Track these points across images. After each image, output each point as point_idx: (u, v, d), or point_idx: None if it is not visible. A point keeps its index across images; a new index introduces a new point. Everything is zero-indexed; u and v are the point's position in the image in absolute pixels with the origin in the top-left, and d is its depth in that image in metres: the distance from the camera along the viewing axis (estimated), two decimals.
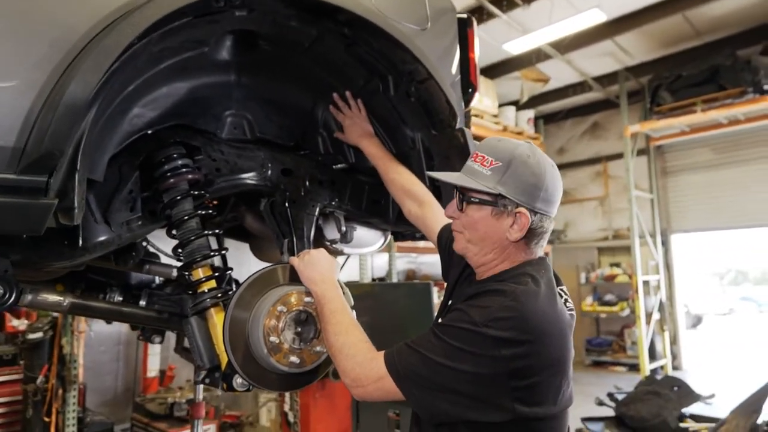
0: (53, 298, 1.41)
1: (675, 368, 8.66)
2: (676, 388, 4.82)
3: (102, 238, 1.39)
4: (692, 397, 4.81)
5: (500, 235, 1.21)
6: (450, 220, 1.37)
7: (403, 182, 1.70)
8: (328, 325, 1.28)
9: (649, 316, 8.35)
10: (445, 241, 1.51)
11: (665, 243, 9.13)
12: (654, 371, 7.85)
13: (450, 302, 1.36)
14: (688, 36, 7.46)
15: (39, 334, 3.81)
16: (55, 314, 4.00)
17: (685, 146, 8.98)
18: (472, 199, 1.23)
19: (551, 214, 1.23)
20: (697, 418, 4.60)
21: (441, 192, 1.78)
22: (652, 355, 8.26)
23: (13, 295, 1.21)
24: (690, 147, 8.92)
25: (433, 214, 1.61)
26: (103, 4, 1.11)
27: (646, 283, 8.51)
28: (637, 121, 8.43)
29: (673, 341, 8.92)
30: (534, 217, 1.19)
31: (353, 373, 1.18)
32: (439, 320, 1.23)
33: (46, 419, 3.73)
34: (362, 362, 1.18)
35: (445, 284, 1.48)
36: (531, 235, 1.21)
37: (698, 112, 7.39)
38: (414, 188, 1.68)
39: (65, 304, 1.44)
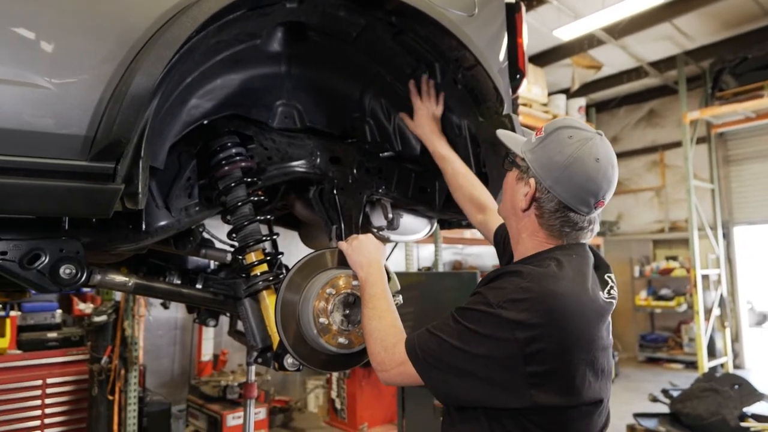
0: (120, 278, 1.50)
1: (736, 367, 8.26)
2: (736, 386, 4.60)
3: (163, 223, 1.47)
4: (755, 395, 4.58)
5: (516, 200, 1.23)
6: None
7: (471, 191, 1.67)
8: (366, 309, 1.31)
9: (708, 311, 7.98)
10: (500, 238, 1.51)
11: (727, 235, 8.68)
12: (713, 369, 7.51)
13: None
14: (755, 15, 7.02)
15: (103, 317, 4.05)
16: (118, 298, 4.23)
17: (749, 133, 8.49)
18: (508, 159, 1.28)
19: (572, 205, 1.15)
20: (760, 418, 4.38)
21: (488, 178, 1.78)
22: (712, 353, 7.91)
23: (84, 275, 1.29)
24: (755, 134, 8.43)
25: (494, 218, 1.59)
26: (163, 1, 1.17)
27: (705, 277, 8.13)
28: (696, 107, 8.03)
29: (735, 338, 8.50)
30: (541, 192, 1.17)
31: (379, 357, 1.20)
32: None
33: (110, 397, 3.97)
34: (387, 347, 1.19)
35: None
36: (542, 215, 1.18)
37: (765, 97, 6.95)
38: (479, 196, 1.66)
39: (130, 284, 1.53)
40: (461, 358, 1.07)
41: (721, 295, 8.27)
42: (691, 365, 7.96)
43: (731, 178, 8.77)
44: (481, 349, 1.05)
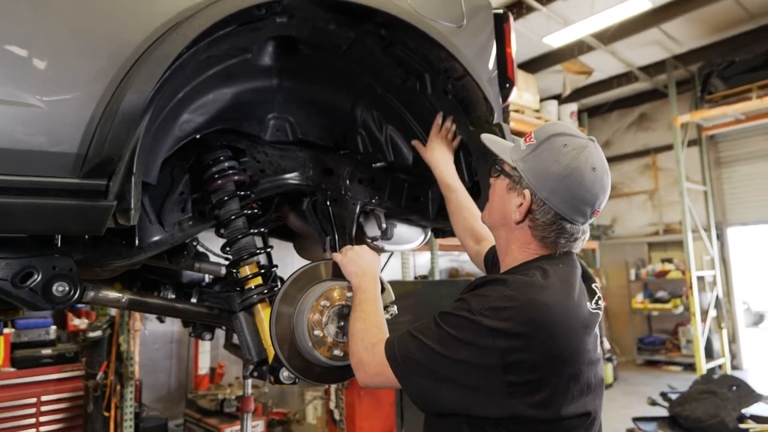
0: (113, 294, 1.50)
1: (734, 368, 8.28)
2: (734, 388, 4.61)
3: (156, 238, 1.46)
4: (753, 397, 4.59)
5: (507, 212, 1.19)
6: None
7: (473, 223, 1.64)
8: (354, 312, 1.31)
9: (704, 313, 8.01)
10: (489, 257, 1.50)
11: (720, 237, 8.73)
12: (711, 371, 7.52)
13: None
14: (741, 20, 7.11)
15: (98, 333, 4.02)
16: (113, 313, 4.21)
17: (740, 135, 8.57)
18: (496, 167, 1.25)
19: (566, 215, 1.13)
20: (758, 419, 4.39)
21: (480, 188, 1.79)
22: (709, 354, 7.92)
23: (77, 292, 1.28)
24: (745, 136, 8.51)
25: (487, 246, 1.57)
26: (153, 18, 1.18)
27: (700, 278, 8.17)
28: (687, 110, 8.11)
29: (732, 339, 8.52)
30: (536, 204, 1.13)
31: (358, 355, 1.19)
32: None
33: (106, 414, 3.93)
34: (367, 346, 1.18)
35: None
36: (536, 226, 1.15)
37: (754, 99, 7.03)
38: (480, 229, 1.62)
39: (124, 300, 1.52)
40: (440, 362, 1.05)
41: (717, 297, 8.30)
42: (690, 367, 7.97)
43: (723, 180, 8.84)
44: (460, 355, 1.03)
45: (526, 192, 1.15)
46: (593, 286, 1.19)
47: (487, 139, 1.30)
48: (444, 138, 1.77)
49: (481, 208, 1.40)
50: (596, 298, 1.17)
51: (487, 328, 1.01)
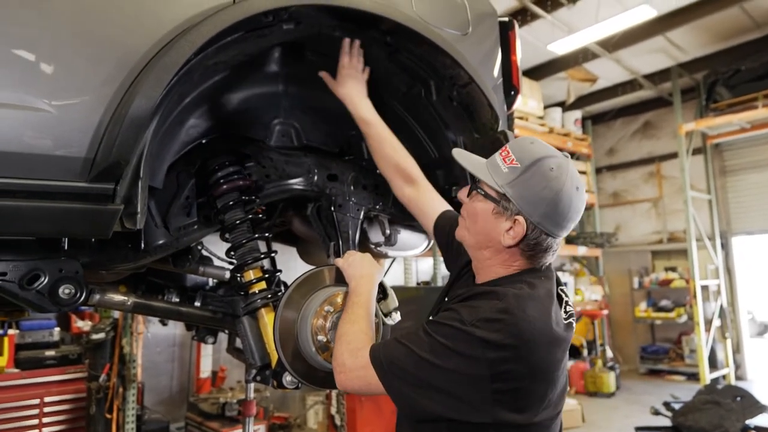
0: (118, 297, 1.51)
1: (738, 378, 8.22)
2: (738, 398, 4.58)
3: (161, 242, 1.48)
4: (757, 407, 4.56)
5: (495, 236, 1.18)
6: (445, 207, 1.43)
7: (398, 160, 1.57)
8: (344, 313, 1.32)
9: (708, 322, 7.96)
10: (444, 229, 1.48)
11: (725, 246, 8.69)
12: (715, 381, 7.47)
13: (446, 299, 1.34)
14: (747, 28, 7.11)
15: (101, 335, 4.03)
16: (116, 316, 4.22)
17: (745, 144, 8.54)
18: (479, 189, 1.23)
19: (555, 234, 1.17)
20: (763, 431, 4.36)
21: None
22: (713, 364, 7.87)
23: (83, 295, 1.30)
24: (751, 144, 8.48)
25: (428, 198, 1.56)
26: (161, 25, 1.19)
27: (704, 288, 8.13)
28: (691, 119, 8.10)
29: (736, 349, 8.46)
30: (531, 230, 1.15)
31: (341, 358, 1.19)
32: (430, 318, 1.24)
33: (108, 416, 3.93)
34: (352, 350, 1.19)
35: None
36: (527, 247, 1.17)
37: (759, 108, 7.01)
38: (407, 167, 1.57)
39: (129, 303, 1.53)
40: (428, 370, 1.07)
41: (721, 306, 8.26)
42: (693, 377, 7.92)
43: (728, 189, 8.81)
44: (449, 364, 1.05)
45: (519, 218, 1.16)
46: (560, 290, 1.22)
47: (459, 155, 1.29)
48: (354, 69, 1.59)
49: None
50: (565, 302, 1.21)
51: (479, 339, 1.04)
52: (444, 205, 1.56)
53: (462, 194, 1.29)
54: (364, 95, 1.60)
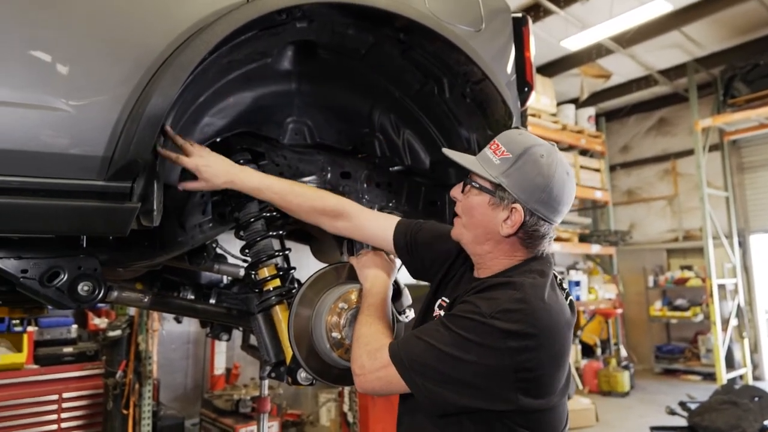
0: (135, 294, 1.53)
1: (756, 378, 8.09)
2: (756, 399, 4.51)
3: (177, 240, 1.49)
4: None
5: (493, 227, 1.19)
6: (396, 220, 1.43)
7: (311, 203, 1.45)
8: (360, 316, 1.32)
9: (725, 322, 7.85)
10: (406, 240, 1.43)
11: (743, 244, 8.56)
12: (732, 381, 7.37)
13: (437, 300, 1.33)
14: (765, 22, 6.99)
15: (118, 332, 4.09)
16: (132, 313, 4.27)
17: (763, 140, 8.40)
18: (474, 183, 1.23)
19: (551, 220, 1.19)
20: None
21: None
22: (730, 364, 7.76)
23: (101, 292, 1.32)
24: None
25: (369, 221, 1.47)
26: (176, 25, 1.21)
27: (721, 286, 8.01)
28: (708, 115, 7.98)
29: (754, 349, 8.34)
30: (528, 217, 1.17)
31: (360, 360, 1.19)
32: (421, 320, 1.30)
33: (125, 411, 3.99)
34: (370, 351, 1.18)
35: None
36: (526, 235, 1.19)
37: None
38: (326, 204, 1.46)
39: (146, 300, 1.55)
40: (451, 363, 1.07)
41: (739, 305, 8.14)
42: (709, 377, 7.82)
43: (746, 186, 8.67)
44: (470, 356, 1.06)
45: (517, 206, 1.17)
46: (559, 280, 1.25)
47: (450, 153, 1.30)
48: (199, 148, 1.39)
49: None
50: (566, 293, 1.23)
51: (500, 330, 1.05)
52: (390, 221, 1.47)
53: (455, 192, 1.29)
54: (234, 166, 1.42)
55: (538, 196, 1.16)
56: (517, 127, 1.58)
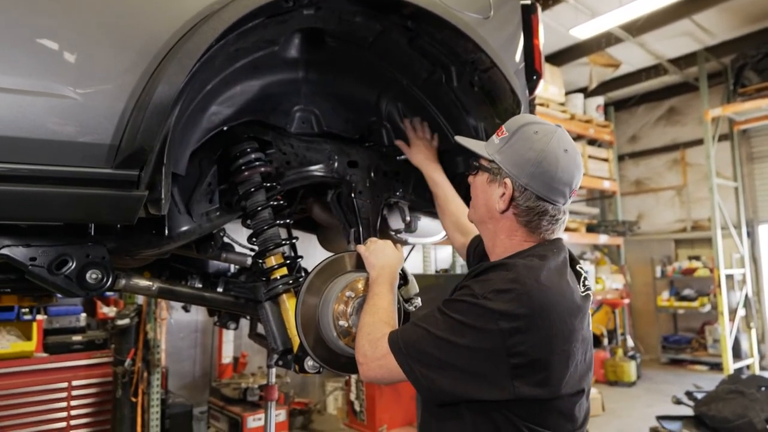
0: (143, 282, 1.53)
1: (763, 368, 8.07)
2: (763, 389, 4.50)
3: (185, 228, 1.49)
4: None
5: (492, 204, 1.23)
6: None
7: (459, 216, 1.68)
8: (366, 305, 1.32)
9: (733, 312, 7.82)
10: (471, 250, 1.55)
11: (751, 234, 8.49)
12: (739, 371, 7.35)
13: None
14: None
15: (126, 320, 4.12)
16: (140, 302, 4.31)
17: None
18: (475, 164, 1.29)
19: (548, 198, 1.18)
20: None
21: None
22: (737, 354, 7.73)
23: (110, 280, 1.32)
24: None
25: (472, 239, 1.61)
26: (182, 12, 1.20)
27: (729, 277, 7.97)
28: (718, 104, 7.88)
29: (761, 339, 8.30)
30: (520, 192, 1.18)
31: (363, 349, 1.20)
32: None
33: (134, 399, 4.04)
34: (372, 339, 1.19)
35: None
36: (521, 212, 1.19)
37: None
38: (465, 222, 1.63)
39: (154, 288, 1.56)
40: (444, 348, 1.06)
41: (746, 296, 8.09)
42: (716, 367, 7.80)
43: (755, 176, 8.58)
44: (464, 340, 1.05)
45: (507, 181, 1.20)
46: (578, 267, 1.23)
47: (462, 140, 1.36)
48: (424, 138, 1.83)
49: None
50: (583, 278, 1.21)
51: (491, 311, 1.04)
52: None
53: (470, 177, 1.34)
54: (435, 161, 1.81)
55: (529, 170, 1.17)
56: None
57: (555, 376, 1.06)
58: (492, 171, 1.23)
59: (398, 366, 1.11)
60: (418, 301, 1.51)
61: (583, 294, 1.18)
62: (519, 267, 1.10)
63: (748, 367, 7.83)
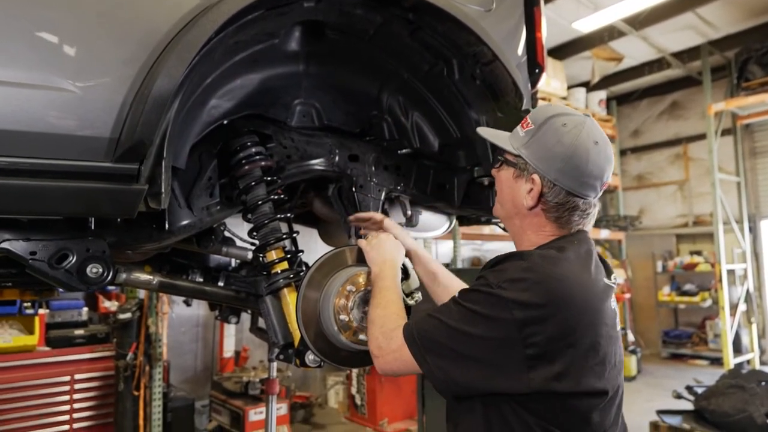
0: (144, 276, 1.53)
1: (763, 363, 8.08)
2: (764, 383, 4.49)
3: (185, 222, 1.49)
4: None
5: (519, 200, 1.19)
6: None
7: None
8: (374, 299, 1.31)
9: (734, 307, 7.81)
10: None
11: (753, 229, 8.48)
12: (739, 365, 7.35)
13: None
14: None
15: (128, 315, 4.13)
16: (142, 296, 4.31)
17: None
18: (499, 158, 1.25)
19: (578, 193, 1.14)
20: None
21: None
22: (738, 349, 7.73)
23: (110, 274, 1.32)
24: None
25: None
26: (181, 4, 1.19)
27: (730, 272, 7.95)
28: (721, 98, 7.84)
29: (762, 334, 8.31)
30: (549, 188, 1.14)
31: (376, 341, 1.19)
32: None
33: (136, 393, 4.05)
34: (386, 332, 1.18)
35: None
36: (550, 208, 1.15)
37: None
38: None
39: (154, 282, 1.56)
40: (458, 339, 1.04)
41: (748, 291, 8.08)
42: (716, 362, 7.81)
43: (758, 171, 8.56)
44: (478, 329, 1.03)
45: (535, 177, 1.16)
46: (610, 266, 1.21)
47: (484, 131, 1.32)
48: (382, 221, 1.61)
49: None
50: (613, 274, 1.18)
51: (505, 300, 1.01)
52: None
53: (492, 170, 1.31)
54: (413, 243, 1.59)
55: (558, 165, 1.13)
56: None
57: (572, 369, 1.01)
58: (518, 166, 1.19)
59: (412, 357, 1.10)
60: (419, 296, 1.51)
61: (609, 283, 1.14)
62: (534, 256, 1.08)
63: (748, 362, 7.82)
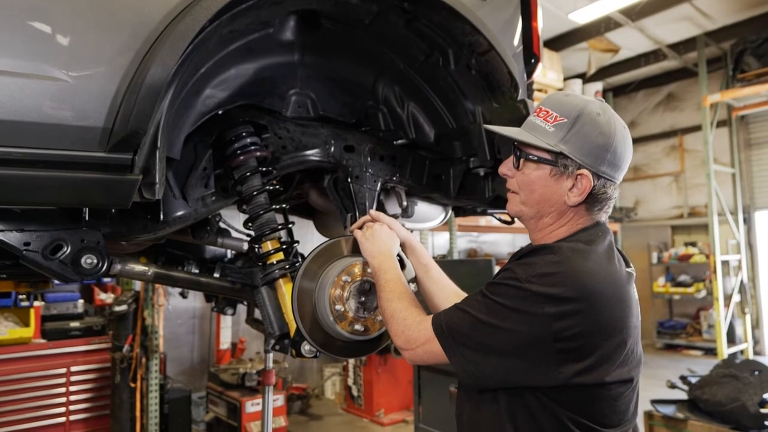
0: (139, 267, 1.53)
1: (757, 353, 8.17)
2: (757, 373, 4.53)
3: (180, 213, 1.48)
4: None
5: (558, 198, 1.14)
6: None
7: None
8: (383, 292, 1.30)
9: (728, 298, 7.87)
10: None
11: (747, 221, 8.53)
12: (733, 355, 7.42)
13: None
14: None
15: (124, 307, 4.12)
16: (138, 288, 4.31)
17: None
18: (530, 156, 1.16)
19: (617, 180, 1.14)
20: None
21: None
22: (731, 339, 7.81)
23: (105, 264, 1.31)
24: None
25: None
26: None
27: (725, 263, 8.01)
28: (717, 90, 7.86)
29: (756, 325, 8.38)
30: (597, 181, 1.12)
31: (403, 335, 1.18)
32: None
33: (132, 385, 4.06)
34: (411, 325, 1.17)
35: None
36: (592, 200, 1.14)
37: None
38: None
39: (150, 273, 1.55)
40: (488, 332, 1.04)
41: (742, 281, 8.15)
42: (710, 352, 7.89)
43: (753, 162, 8.59)
44: (508, 323, 1.01)
45: (584, 172, 1.11)
46: (618, 250, 1.19)
47: (493, 127, 1.25)
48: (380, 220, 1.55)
49: None
50: (625, 261, 1.18)
51: (536, 294, 1.00)
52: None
53: (505, 168, 1.23)
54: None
55: (605, 157, 1.11)
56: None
57: (602, 363, 1.01)
58: (558, 164, 1.12)
59: (442, 350, 1.10)
60: (414, 287, 1.51)
61: (629, 271, 1.14)
62: (564, 249, 1.06)
63: (742, 351, 7.90)
